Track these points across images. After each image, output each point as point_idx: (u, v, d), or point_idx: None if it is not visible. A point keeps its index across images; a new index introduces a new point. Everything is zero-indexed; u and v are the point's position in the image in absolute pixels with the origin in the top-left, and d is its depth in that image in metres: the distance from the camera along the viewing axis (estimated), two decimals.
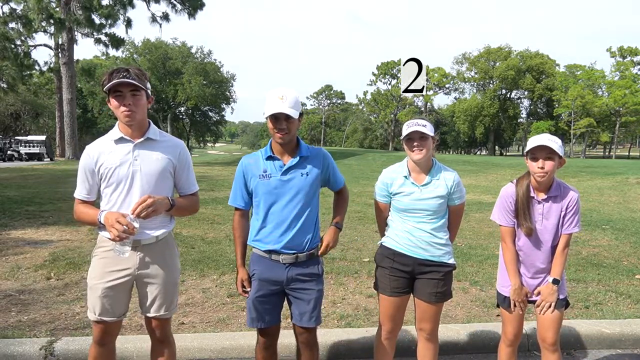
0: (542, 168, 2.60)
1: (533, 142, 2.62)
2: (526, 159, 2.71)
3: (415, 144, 2.69)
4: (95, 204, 2.57)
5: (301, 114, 2.62)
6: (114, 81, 2.35)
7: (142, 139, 2.50)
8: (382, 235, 3.00)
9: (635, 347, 3.84)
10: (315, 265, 2.70)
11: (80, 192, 2.55)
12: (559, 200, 2.70)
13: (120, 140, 2.49)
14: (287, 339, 3.30)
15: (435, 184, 2.78)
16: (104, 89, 2.40)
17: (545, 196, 2.70)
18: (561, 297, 2.77)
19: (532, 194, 2.71)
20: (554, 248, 2.75)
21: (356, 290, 4.87)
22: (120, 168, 2.45)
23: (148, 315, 2.61)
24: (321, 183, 2.76)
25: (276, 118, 2.53)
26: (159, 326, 2.65)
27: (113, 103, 2.42)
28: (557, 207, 2.70)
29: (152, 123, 2.59)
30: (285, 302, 2.78)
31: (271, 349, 2.81)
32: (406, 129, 2.70)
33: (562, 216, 2.70)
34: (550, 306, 2.73)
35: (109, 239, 2.42)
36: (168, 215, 2.59)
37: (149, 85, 2.51)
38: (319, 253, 2.71)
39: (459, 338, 3.77)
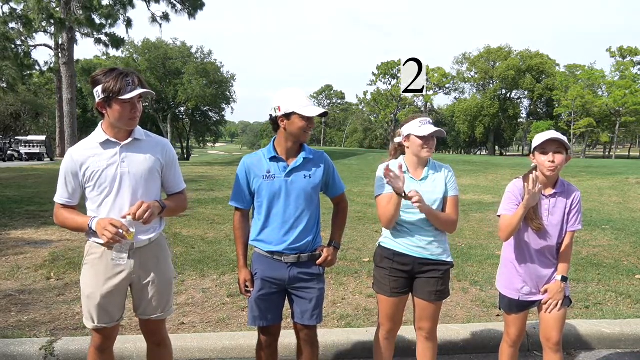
0: (552, 162, 2.62)
1: (543, 136, 2.66)
2: (532, 156, 2.73)
3: (429, 143, 2.74)
4: (77, 208, 2.52)
5: None
6: (137, 91, 2.32)
7: (129, 140, 2.45)
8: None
9: (635, 347, 3.84)
10: (316, 264, 2.71)
11: (61, 196, 2.47)
12: (564, 196, 2.73)
13: (106, 142, 2.43)
14: (287, 338, 3.30)
15: (433, 178, 2.81)
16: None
17: (552, 192, 2.72)
18: (566, 294, 2.78)
19: None
20: (558, 245, 2.76)
21: (356, 290, 4.87)
22: (107, 171, 2.40)
23: (144, 317, 2.60)
24: (321, 187, 2.76)
25: (311, 119, 2.55)
26: (155, 328, 2.65)
27: (120, 109, 2.33)
28: (562, 203, 2.72)
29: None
30: (286, 302, 2.79)
31: (272, 348, 2.81)
32: (420, 128, 2.71)
33: (566, 213, 2.72)
34: (557, 304, 2.74)
35: (101, 244, 2.38)
36: (158, 217, 2.56)
37: None
38: (317, 262, 2.71)
39: (459, 338, 3.77)
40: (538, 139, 2.67)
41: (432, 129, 2.71)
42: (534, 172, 2.61)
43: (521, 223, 2.71)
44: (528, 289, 2.79)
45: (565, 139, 2.63)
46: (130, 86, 2.32)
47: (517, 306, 2.83)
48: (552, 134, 2.64)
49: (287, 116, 2.54)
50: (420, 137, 2.73)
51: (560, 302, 2.73)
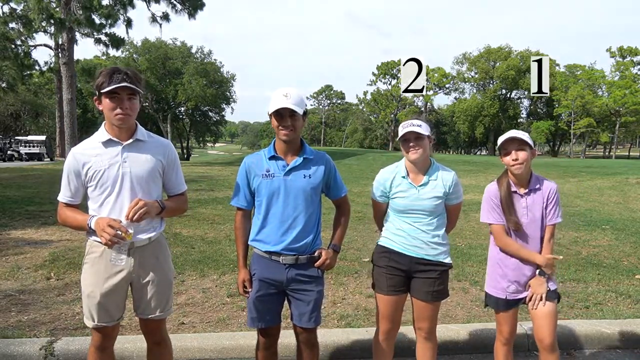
0: (516, 159, 2.68)
1: (502, 137, 2.75)
2: (501, 157, 2.78)
3: (411, 144, 2.70)
4: (80, 207, 2.53)
5: (305, 113, 2.61)
6: (115, 85, 2.31)
7: (130, 140, 2.47)
8: (382, 231, 2.99)
9: (635, 347, 3.84)
10: (315, 266, 2.70)
11: (64, 195, 2.49)
12: (539, 192, 2.76)
13: (108, 142, 2.44)
14: (287, 339, 3.30)
15: (433, 184, 2.78)
16: (102, 91, 2.34)
17: (527, 190, 2.76)
18: (552, 288, 2.76)
19: (513, 189, 2.77)
20: (541, 240, 2.79)
21: (356, 290, 4.87)
22: (109, 170, 2.42)
23: (143, 317, 2.61)
24: (322, 188, 2.75)
25: (280, 115, 2.52)
26: (154, 328, 2.65)
27: (107, 104, 2.37)
28: (539, 199, 2.76)
29: (138, 124, 2.56)
30: (286, 302, 2.78)
31: (271, 349, 2.81)
32: (401, 130, 2.72)
33: (544, 207, 2.75)
34: (541, 298, 2.73)
35: (102, 243, 2.39)
36: (158, 217, 2.57)
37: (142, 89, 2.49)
38: (315, 265, 2.69)
39: (459, 338, 3.77)
40: (499, 141, 2.74)
41: (406, 129, 2.69)
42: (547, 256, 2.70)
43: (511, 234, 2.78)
44: (514, 287, 2.81)
45: (525, 135, 2.69)
46: (115, 81, 2.33)
47: (504, 305, 2.84)
48: (511, 133, 2.72)
49: (270, 116, 2.59)
50: (401, 141, 2.74)
51: (543, 295, 2.72)
